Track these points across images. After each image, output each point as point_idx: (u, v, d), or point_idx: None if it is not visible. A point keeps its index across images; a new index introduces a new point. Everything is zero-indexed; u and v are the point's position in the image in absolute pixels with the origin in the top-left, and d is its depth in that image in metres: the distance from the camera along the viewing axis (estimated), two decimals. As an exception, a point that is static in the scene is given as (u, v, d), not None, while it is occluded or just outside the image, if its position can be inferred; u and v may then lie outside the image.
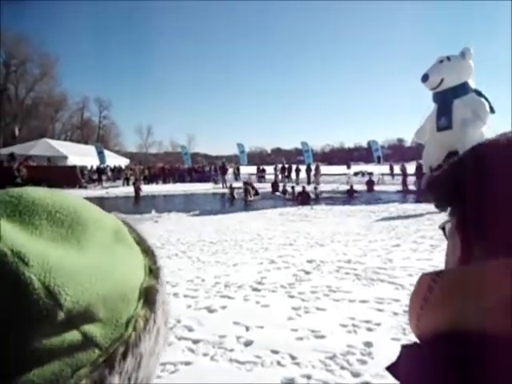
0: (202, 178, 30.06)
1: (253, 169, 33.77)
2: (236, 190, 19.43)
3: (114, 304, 0.31)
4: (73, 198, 0.35)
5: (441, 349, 0.37)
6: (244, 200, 17.65)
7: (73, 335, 0.28)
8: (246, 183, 20.85)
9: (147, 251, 0.38)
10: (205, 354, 3.20)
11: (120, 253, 0.34)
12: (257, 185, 26.71)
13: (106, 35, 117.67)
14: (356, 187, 22.61)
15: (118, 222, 0.37)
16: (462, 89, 19.07)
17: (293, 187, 18.93)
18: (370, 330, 3.60)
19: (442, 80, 19.38)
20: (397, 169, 26.95)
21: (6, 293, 0.26)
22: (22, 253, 0.27)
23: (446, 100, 19.23)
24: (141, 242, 0.38)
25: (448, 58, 19.54)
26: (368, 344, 3.30)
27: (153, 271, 0.36)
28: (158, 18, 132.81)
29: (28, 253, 0.27)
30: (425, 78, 19.86)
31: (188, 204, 16.74)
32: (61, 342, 0.27)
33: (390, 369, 0.44)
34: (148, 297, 0.34)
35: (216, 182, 27.45)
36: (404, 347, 0.42)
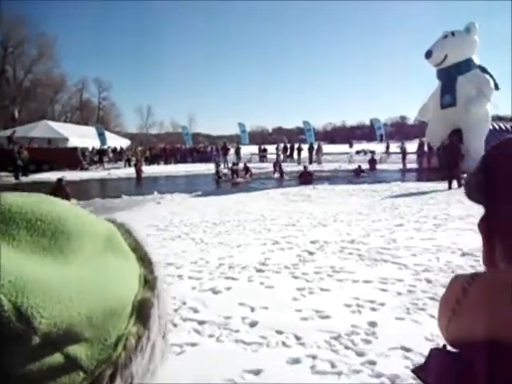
0: (204, 158, 29.96)
1: (254, 148, 33.61)
2: (224, 171, 19.41)
3: (101, 322, 0.27)
4: (58, 203, 0.31)
5: (474, 357, 0.35)
6: (231, 182, 17.46)
7: (53, 357, 0.25)
8: (233, 164, 20.70)
9: (144, 259, 0.34)
10: (210, 335, 3.24)
11: (111, 263, 0.30)
12: (258, 164, 26.70)
13: (104, 15, 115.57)
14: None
15: (111, 228, 0.33)
16: (466, 65, 18.75)
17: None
18: (373, 309, 3.62)
19: (445, 56, 19.04)
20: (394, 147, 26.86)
21: None
22: None
23: (450, 77, 18.95)
24: (137, 248, 0.35)
25: (452, 34, 19.14)
26: (372, 324, 3.32)
27: (149, 282, 0.33)
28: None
29: None
30: (428, 54, 19.52)
31: (190, 185, 16.73)
32: (39, 365, 0.24)
33: (417, 372, 0.42)
34: (141, 311, 0.31)
35: (217, 163, 27.38)
36: (434, 351, 0.40)
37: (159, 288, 0.33)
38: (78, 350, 0.26)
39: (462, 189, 0.46)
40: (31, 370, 0.24)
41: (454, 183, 12.27)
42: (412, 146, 24.53)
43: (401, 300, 3.82)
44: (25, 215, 0.28)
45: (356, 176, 18.29)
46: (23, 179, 19.28)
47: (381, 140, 27.90)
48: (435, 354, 0.39)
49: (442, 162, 15.85)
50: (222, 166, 25.35)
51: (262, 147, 33.35)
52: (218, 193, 13.40)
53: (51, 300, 0.25)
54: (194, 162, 29.42)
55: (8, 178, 19.92)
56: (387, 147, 29.12)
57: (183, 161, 30.15)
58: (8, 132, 28.53)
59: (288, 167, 22.11)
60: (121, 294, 0.30)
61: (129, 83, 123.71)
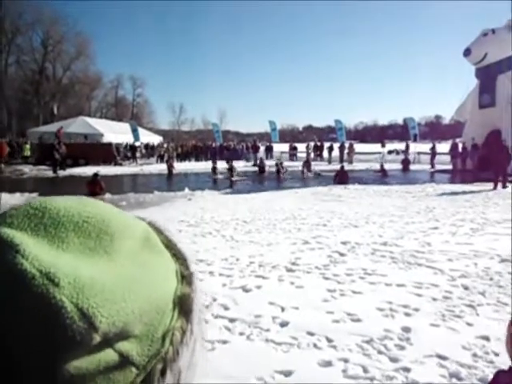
0: (233, 155, 30.07)
1: (284, 146, 33.43)
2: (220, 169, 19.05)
3: (149, 318, 0.28)
4: (100, 205, 0.32)
5: None
6: (229, 180, 17.32)
7: (108, 355, 0.26)
8: (228, 160, 20.48)
9: (178, 256, 0.35)
10: (241, 333, 3.25)
11: (151, 261, 0.31)
12: (288, 163, 26.57)
13: (139, 14, 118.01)
14: (390, 166, 22.04)
15: (147, 228, 0.34)
16: (507, 64, 17.97)
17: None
18: (407, 314, 3.54)
19: (485, 54, 18.35)
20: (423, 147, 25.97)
21: (38, 319, 0.24)
22: (52, 273, 0.25)
23: (490, 76, 18.25)
24: (170, 245, 0.35)
25: (493, 31, 18.41)
26: (406, 329, 3.24)
27: (185, 277, 0.34)
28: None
29: (57, 272, 0.25)
30: (467, 53, 18.88)
31: (220, 182, 16.87)
32: (96, 363, 0.25)
33: None
34: (183, 306, 0.32)
35: (248, 160, 27.44)
36: (501, 372, 0.38)
37: (196, 283, 0.34)
38: (129, 347, 0.27)
39: (507, 190, 0.42)
40: (90, 369, 0.25)
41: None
42: (447, 147, 23.76)
43: (436, 306, 3.71)
44: (72, 218, 0.29)
45: (382, 176, 17.87)
46: (61, 173, 19.98)
47: (415, 140, 27.12)
48: (502, 375, 0.38)
49: (477, 163, 15.28)
50: (252, 162, 25.47)
51: (293, 145, 33.12)
52: (248, 191, 13.43)
53: (108, 300, 0.26)
54: (223, 159, 29.61)
55: (46, 171, 20.70)
56: (407, 148, 28.15)
57: (213, 158, 30.40)
58: (48, 127, 29.70)
59: (318, 166, 21.90)
60: (163, 290, 0.31)
61: (162, 81, 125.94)
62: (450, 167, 20.51)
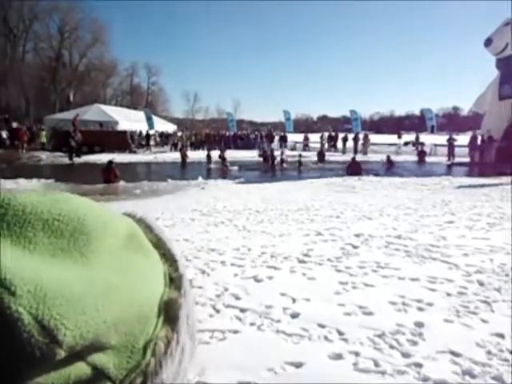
0: (247, 145, 30.02)
1: (298, 136, 33.19)
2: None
3: (128, 327, 0.25)
4: (75, 200, 0.28)
5: None
6: (222, 170, 17.01)
7: (79, 369, 0.23)
8: (222, 149, 20.06)
9: (167, 256, 0.32)
10: (252, 324, 3.25)
11: (134, 262, 0.28)
12: (301, 153, 26.40)
13: (153, 2, 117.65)
14: (406, 158, 21.78)
15: (131, 224, 0.31)
16: (530, 54, 17.46)
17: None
18: (421, 309, 3.49)
19: (506, 45, 17.85)
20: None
21: None
22: (8, 279, 0.21)
23: (511, 66, 17.73)
24: (159, 244, 0.32)
25: (515, 21, 17.84)
26: (419, 324, 3.20)
27: (174, 280, 0.31)
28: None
29: (14, 279, 0.22)
30: (488, 43, 18.39)
31: (214, 171, 16.85)
32: (64, 378, 0.22)
33: None
34: (169, 313, 0.29)
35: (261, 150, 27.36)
36: None
37: (185, 286, 0.31)
38: (104, 360, 0.24)
39: None
40: None
41: None
42: (465, 139, 23.29)
43: (450, 301, 3.65)
44: (40, 215, 0.26)
45: (387, 169, 17.49)
46: (76, 160, 20.23)
47: (432, 131, 26.65)
48: None
49: (496, 156, 14.92)
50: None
51: (304, 135, 32.86)
52: (260, 180, 13.42)
53: (75, 309, 0.23)
54: (237, 148, 29.57)
55: (63, 158, 20.98)
56: (417, 140, 27.52)
57: (227, 147, 30.41)
58: (64, 115, 30.01)
59: (332, 157, 21.73)
60: (147, 296, 0.28)
61: (177, 69, 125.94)
62: (467, 160, 20.14)
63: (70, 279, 0.24)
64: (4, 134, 25.91)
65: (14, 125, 29.07)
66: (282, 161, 18.72)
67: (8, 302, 0.21)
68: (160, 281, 0.30)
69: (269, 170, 17.73)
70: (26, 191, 0.28)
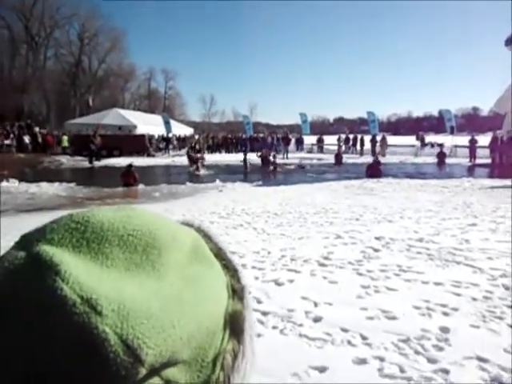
0: (264, 147, 29.98)
1: (315, 139, 32.99)
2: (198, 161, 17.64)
3: (198, 341, 0.26)
4: (146, 215, 0.29)
5: None
6: (192, 172, 16.47)
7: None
8: (192, 148, 19.38)
9: (228, 266, 0.32)
10: (274, 327, 3.25)
11: (200, 276, 0.29)
12: (318, 155, 26.30)
13: (170, 8, 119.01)
14: (425, 160, 21.45)
15: (196, 236, 0.32)
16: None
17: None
18: (446, 314, 3.43)
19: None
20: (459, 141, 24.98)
21: (78, 352, 0.22)
22: (94, 299, 0.22)
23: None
24: (219, 254, 0.33)
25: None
26: (444, 329, 3.14)
27: (236, 292, 0.31)
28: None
29: (100, 298, 0.22)
30: (508, 42, 17.99)
31: (251, 174, 16.90)
32: None
33: None
34: (234, 326, 0.29)
35: (278, 152, 27.32)
36: None
37: (247, 298, 0.31)
38: (177, 375, 0.25)
39: None
40: None
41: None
42: (485, 140, 22.79)
43: (476, 306, 3.58)
44: (116, 232, 0.27)
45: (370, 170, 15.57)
46: (96, 163, 20.57)
47: (451, 132, 26.17)
48: None
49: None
50: (281, 155, 25.34)
51: (318, 137, 32.66)
52: (278, 183, 13.40)
53: (155, 328, 0.23)
54: (253, 151, 29.58)
55: (83, 162, 21.37)
56: (426, 143, 26.92)
57: (244, 150, 30.46)
58: (84, 119, 30.61)
59: (350, 159, 21.56)
60: (214, 309, 0.28)
61: (193, 73, 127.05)
62: (488, 161, 19.71)
63: (147, 296, 0.24)
64: (26, 139, 26.54)
65: (36, 130, 29.77)
66: (275, 165, 18.20)
67: (95, 322, 0.22)
68: (223, 292, 0.30)
69: (266, 173, 17.19)
70: (102, 208, 0.29)
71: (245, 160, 18.06)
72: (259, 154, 19.35)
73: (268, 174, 16.81)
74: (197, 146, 25.92)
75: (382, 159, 22.32)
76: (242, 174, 16.68)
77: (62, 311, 0.22)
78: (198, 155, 18.64)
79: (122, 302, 0.23)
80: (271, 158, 18.27)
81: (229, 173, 16.73)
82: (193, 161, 17.43)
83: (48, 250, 0.24)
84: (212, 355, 0.27)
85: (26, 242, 0.26)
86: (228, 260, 0.33)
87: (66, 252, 0.25)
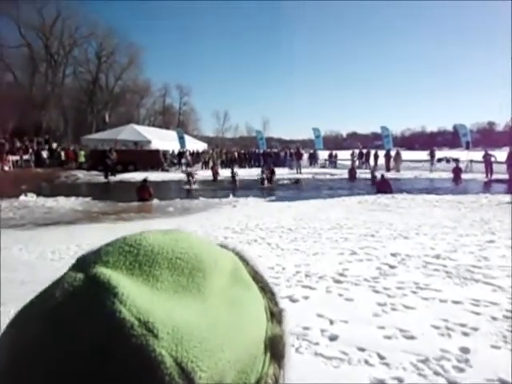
0: (276, 162, 30.08)
1: (327, 154, 32.97)
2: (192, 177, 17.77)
3: (242, 365, 0.26)
4: (191, 239, 0.30)
5: None
6: (186, 188, 16.58)
7: None
8: (187, 165, 19.59)
9: (265, 289, 0.32)
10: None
11: (242, 299, 0.29)
12: (330, 170, 26.24)
13: (184, 26, 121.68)
14: (440, 175, 21.22)
15: (235, 259, 0.32)
16: None
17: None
18: (465, 334, 3.35)
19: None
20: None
21: (134, 374, 0.22)
22: (150, 322, 0.23)
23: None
24: (257, 278, 0.33)
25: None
26: (464, 350, 3.06)
27: (275, 315, 0.31)
28: (235, 7, 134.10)
29: (156, 321, 0.23)
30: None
31: (264, 189, 16.92)
32: None
33: None
34: (275, 350, 0.29)
35: (291, 168, 27.37)
36: None
37: (285, 322, 0.32)
38: None
39: None
40: None
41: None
42: (501, 155, 22.46)
43: (496, 326, 3.49)
44: (166, 255, 0.28)
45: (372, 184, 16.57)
46: (111, 178, 20.86)
47: (467, 147, 25.88)
48: None
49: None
50: (295, 170, 25.36)
51: (333, 153, 32.67)
52: (292, 198, 13.37)
53: (206, 351, 0.24)
54: (270, 166, 29.60)
55: (99, 177, 21.69)
56: (438, 159, 26.76)
57: (257, 165, 30.58)
58: (101, 135, 31.20)
59: (363, 174, 21.43)
60: (255, 332, 0.28)
61: (207, 88, 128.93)
62: (505, 177, 19.38)
63: (197, 319, 0.25)
64: (44, 154, 27.12)
65: (54, 145, 30.43)
66: (269, 179, 18.35)
67: (152, 345, 0.22)
68: (262, 315, 0.30)
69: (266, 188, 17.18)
70: (152, 231, 0.30)
71: (263, 176, 18.23)
72: (263, 170, 19.54)
73: (262, 189, 16.79)
74: (210, 162, 26.17)
75: (396, 175, 22.23)
76: (258, 189, 16.73)
77: (120, 333, 0.23)
78: (191, 170, 19.03)
79: (175, 325, 0.23)
80: (264, 175, 18.38)
81: (243, 188, 16.80)
82: (188, 177, 17.66)
83: (105, 272, 0.25)
84: (254, 379, 0.27)
85: (83, 263, 0.27)
86: (265, 283, 0.33)
87: (120, 274, 0.26)
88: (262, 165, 21.54)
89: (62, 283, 0.26)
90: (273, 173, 19.22)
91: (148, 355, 0.22)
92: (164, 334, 0.23)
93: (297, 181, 19.56)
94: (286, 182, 19.72)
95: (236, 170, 18.33)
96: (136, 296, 0.24)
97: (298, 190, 17.23)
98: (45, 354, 0.23)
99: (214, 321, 0.26)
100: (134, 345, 0.22)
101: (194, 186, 17.05)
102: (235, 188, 16.74)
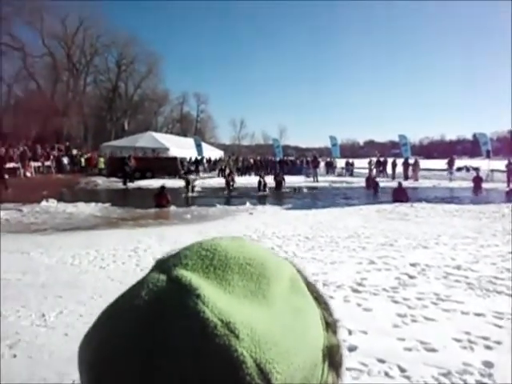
0: (293, 170, 30.02)
1: (344, 162, 32.75)
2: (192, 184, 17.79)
3: (305, 372, 0.26)
4: (256, 246, 0.32)
5: None
6: (185, 196, 16.41)
7: None
8: (186, 172, 19.23)
9: (319, 299, 0.33)
10: (308, 355, 3.18)
11: (301, 306, 0.30)
12: (347, 179, 26.06)
13: (203, 34, 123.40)
14: (460, 184, 20.87)
15: (293, 269, 0.33)
16: None
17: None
18: (488, 348, 3.26)
19: None
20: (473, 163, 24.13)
21: (218, 372, 0.22)
22: (232, 323, 0.23)
23: None
24: (310, 287, 0.33)
25: None
26: (488, 364, 2.99)
27: (330, 325, 0.31)
28: (252, 17, 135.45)
29: (236, 322, 0.24)
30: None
31: (280, 197, 16.90)
32: None
33: None
34: (333, 359, 0.29)
35: (307, 176, 27.26)
36: None
37: (340, 333, 0.32)
38: None
39: None
40: None
41: None
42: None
43: (521, 340, 3.39)
44: (237, 260, 0.29)
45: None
46: (130, 185, 21.14)
47: (488, 156, 25.38)
48: None
49: None
50: (311, 178, 25.26)
51: (350, 161, 32.41)
52: (308, 206, 13.31)
53: (281, 354, 0.24)
54: (283, 174, 29.60)
55: (117, 183, 22.01)
56: (450, 163, 26.24)
57: (273, 173, 30.57)
58: (119, 142, 31.75)
59: (381, 183, 21.18)
60: (316, 340, 0.29)
61: (224, 96, 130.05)
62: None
63: (268, 322, 0.26)
64: (65, 160, 27.69)
65: (74, 152, 31.08)
66: (277, 186, 18.55)
67: (234, 345, 0.23)
68: (319, 324, 0.31)
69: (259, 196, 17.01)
70: (223, 238, 0.32)
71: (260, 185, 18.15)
72: (274, 177, 19.71)
73: (258, 197, 16.69)
74: (227, 169, 26.28)
75: (414, 183, 21.91)
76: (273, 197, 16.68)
77: (204, 333, 0.24)
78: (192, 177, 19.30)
79: (253, 327, 0.24)
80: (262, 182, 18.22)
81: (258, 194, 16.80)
82: (186, 184, 17.63)
83: (185, 274, 0.27)
84: None
85: (164, 266, 0.29)
86: (318, 293, 0.34)
87: (198, 276, 0.27)
88: (260, 173, 21.53)
89: (146, 284, 0.27)
90: (282, 181, 19.46)
91: (231, 355, 0.23)
92: (244, 335, 0.24)
93: (298, 189, 19.48)
94: (304, 190, 19.62)
95: (260, 179, 18.12)
96: (216, 298, 0.25)
97: (314, 198, 17.14)
98: (137, 350, 0.24)
99: (283, 326, 0.27)
100: (217, 345, 0.23)
101: (190, 194, 16.95)
102: (264, 197, 16.72)
